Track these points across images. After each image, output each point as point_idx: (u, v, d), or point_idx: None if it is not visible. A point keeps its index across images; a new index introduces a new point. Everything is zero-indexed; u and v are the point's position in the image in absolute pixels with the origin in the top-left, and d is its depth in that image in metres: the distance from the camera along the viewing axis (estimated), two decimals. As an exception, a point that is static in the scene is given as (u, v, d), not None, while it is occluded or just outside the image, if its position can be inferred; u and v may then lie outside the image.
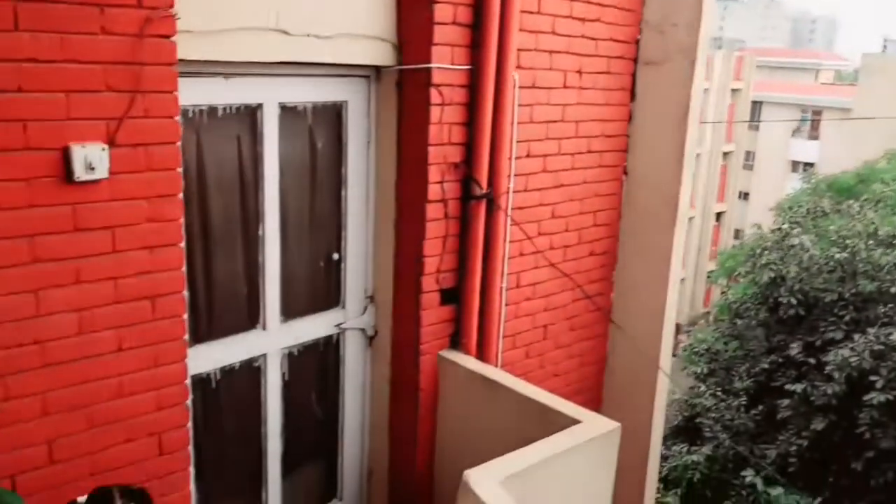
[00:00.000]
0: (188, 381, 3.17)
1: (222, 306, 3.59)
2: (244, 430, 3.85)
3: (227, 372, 3.70)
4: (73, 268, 2.75)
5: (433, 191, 3.73)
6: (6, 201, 2.56)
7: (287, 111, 3.62)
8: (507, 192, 3.99)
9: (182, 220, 2.99)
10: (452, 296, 3.99)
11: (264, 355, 3.83)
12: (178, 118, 2.89)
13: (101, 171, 2.71)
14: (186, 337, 3.10)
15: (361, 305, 4.15)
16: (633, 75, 4.61)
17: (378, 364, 4.24)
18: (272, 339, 3.83)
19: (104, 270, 2.81)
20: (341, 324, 4.13)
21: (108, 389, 2.93)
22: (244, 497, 3.95)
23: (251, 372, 3.82)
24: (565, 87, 4.22)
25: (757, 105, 34.69)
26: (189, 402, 3.19)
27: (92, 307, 2.81)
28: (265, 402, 3.88)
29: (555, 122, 4.22)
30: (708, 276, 25.59)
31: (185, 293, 3.08)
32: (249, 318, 3.73)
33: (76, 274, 2.75)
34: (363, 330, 4.22)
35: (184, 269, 3.05)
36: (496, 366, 4.10)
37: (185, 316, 3.09)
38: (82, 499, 2.53)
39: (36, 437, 2.78)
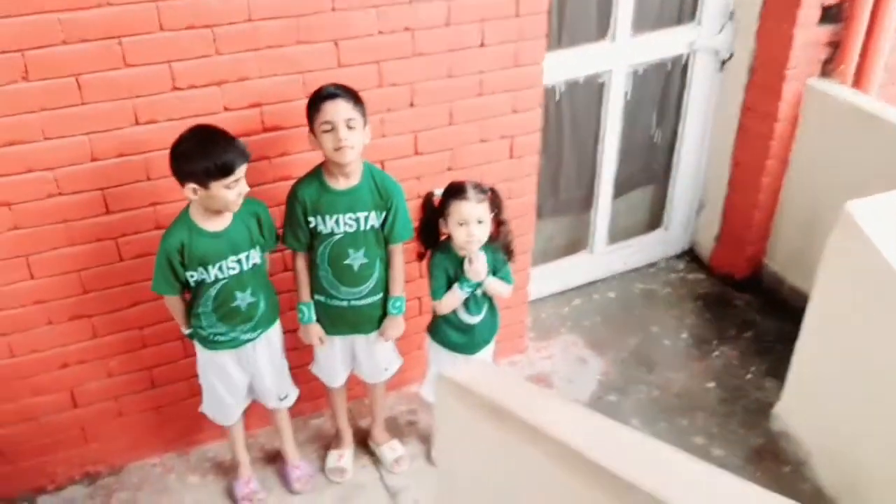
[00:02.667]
0: (542, 86, 3.08)
1: (573, 12, 3.38)
2: (581, 148, 3.78)
3: (572, 85, 3.57)
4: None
5: None
6: None
7: None
8: None
9: None
10: (834, 14, 3.41)
11: (609, 71, 3.62)
12: None
13: None
14: (546, 37, 2.97)
15: (719, 24, 3.71)
16: None
17: (728, 90, 3.87)
18: (620, 54, 3.60)
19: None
20: (693, 42, 3.76)
21: (470, 87, 2.92)
22: (574, 214, 3.97)
23: (594, 88, 3.65)
24: None
25: None
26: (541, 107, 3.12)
27: (459, -1, 2.74)
28: (604, 122, 3.74)
29: None
30: None
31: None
32: (599, 28, 3.49)
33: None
34: (716, 51, 3.82)
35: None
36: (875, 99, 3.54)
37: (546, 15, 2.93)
38: (438, 191, 2.64)
39: (405, 126, 2.90)
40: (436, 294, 2.71)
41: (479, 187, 2.61)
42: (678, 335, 3.79)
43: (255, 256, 2.52)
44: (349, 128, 2.40)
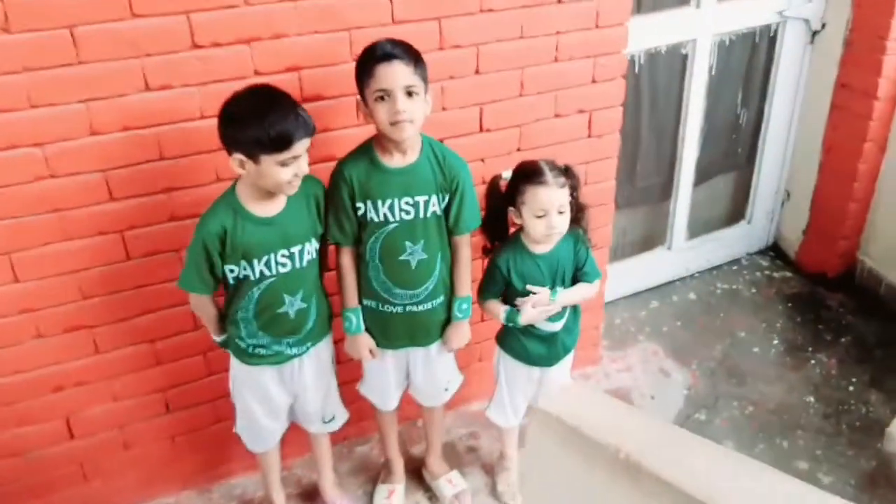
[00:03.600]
0: (626, 52, 2.59)
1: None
2: (661, 128, 3.29)
3: (652, 56, 3.08)
4: None
5: None
6: None
7: None
8: None
9: None
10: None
11: (694, 41, 3.13)
12: None
13: None
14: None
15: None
16: None
17: (820, 65, 3.37)
18: (705, 21, 3.10)
19: None
20: (783, 11, 3.26)
21: (544, 51, 2.44)
22: (650, 204, 3.49)
23: (677, 60, 3.16)
24: None
25: None
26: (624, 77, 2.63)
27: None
28: (687, 98, 3.25)
29: None
30: None
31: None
32: (683, -11, 3.00)
33: None
34: (807, 21, 3.32)
35: None
36: None
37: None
38: (507, 173, 2.18)
39: (469, 97, 2.42)
40: (483, 293, 2.29)
41: (557, 168, 2.14)
42: (769, 341, 3.32)
43: (311, 250, 2.05)
44: (409, 96, 1.92)
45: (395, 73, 1.90)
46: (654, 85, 3.14)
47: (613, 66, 2.58)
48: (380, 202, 2.05)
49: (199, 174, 2.14)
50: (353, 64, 2.01)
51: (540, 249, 2.21)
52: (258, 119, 1.78)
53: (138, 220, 2.15)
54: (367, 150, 2.07)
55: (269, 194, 1.93)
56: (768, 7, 3.25)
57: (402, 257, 2.11)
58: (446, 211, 2.13)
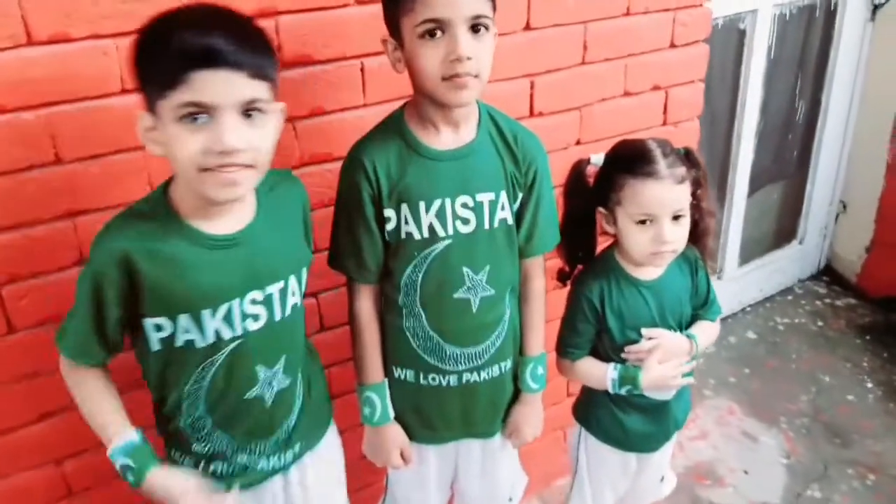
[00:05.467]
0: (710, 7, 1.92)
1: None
2: (713, 122, 2.62)
3: (706, 29, 2.41)
4: None
5: None
6: None
7: None
8: None
9: None
10: None
11: (754, 12, 2.48)
12: None
13: None
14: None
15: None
16: None
17: (885, 48, 2.80)
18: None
19: None
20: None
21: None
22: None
23: (734, 36, 2.51)
24: None
25: None
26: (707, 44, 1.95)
27: None
28: (744, 86, 2.59)
29: None
30: None
31: None
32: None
33: None
34: (868, -8, 2.75)
35: None
36: None
37: None
38: (597, 157, 1.47)
39: (516, 65, 1.68)
40: (565, 344, 1.54)
41: (674, 152, 1.42)
42: (861, 385, 2.67)
43: (297, 291, 1.24)
44: (474, 31, 1.16)
45: None
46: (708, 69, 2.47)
47: (697, 24, 1.89)
48: (423, 206, 1.28)
49: (121, 186, 1.32)
50: (358, 7, 1.26)
51: (645, 274, 1.49)
52: (162, 36, 1.01)
53: (22, 265, 1.30)
54: (396, 126, 1.30)
55: (220, 205, 1.12)
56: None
57: (458, 294, 1.33)
58: (517, 219, 1.35)
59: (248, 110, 1.03)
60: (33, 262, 1.32)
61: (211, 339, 1.14)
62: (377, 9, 1.27)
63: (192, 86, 0.98)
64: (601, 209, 1.47)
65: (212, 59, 0.98)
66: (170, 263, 1.09)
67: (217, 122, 1.00)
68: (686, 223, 1.42)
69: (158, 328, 1.12)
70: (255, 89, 1.02)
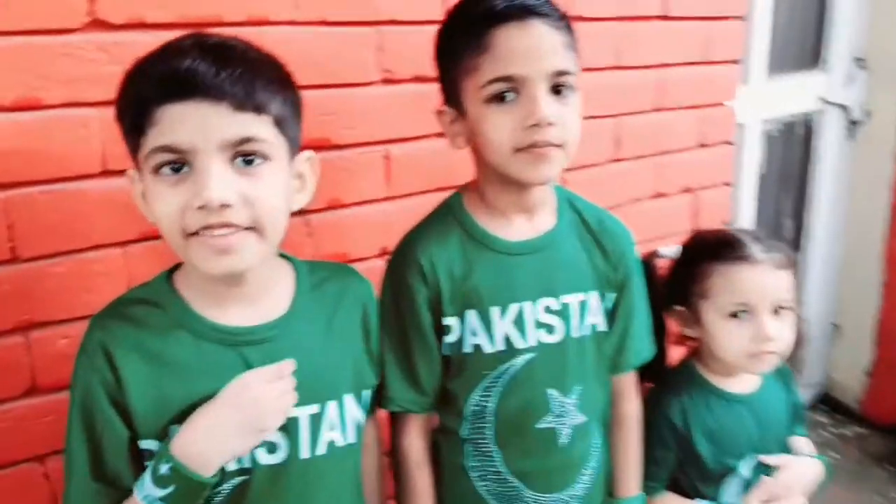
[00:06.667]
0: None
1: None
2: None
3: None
4: None
5: None
6: None
7: None
8: None
9: None
10: None
11: (742, 127, 2.42)
12: None
13: None
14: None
15: (845, 72, 2.68)
16: None
17: (868, 163, 2.77)
18: (753, 103, 2.42)
19: None
20: (825, 96, 2.68)
21: (645, 91, 1.58)
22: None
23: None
24: None
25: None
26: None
27: None
28: (737, 203, 2.48)
29: None
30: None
31: None
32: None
33: None
34: (845, 108, 2.74)
35: None
36: None
37: None
38: (669, 249, 1.31)
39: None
40: (651, 484, 1.24)
41: (766, 237, 1.22)
42: (893, 526, 2.39)
43: (357, 416, 0.94)
44: (556, 92, 0.95)
45: (537, 47, 0.93)
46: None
47: (722, 124, 1.77)
48: (496, 312, 1.01)
49: (91, 291, 1.03)
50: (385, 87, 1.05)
51: (738, 386, 1.25)
52: (134, 70, 0.80)
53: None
54: (454, 215, 1.05)
55: (235, 287, 0.86)
56: (808, 91, 2.64)
57: (541, 423, 1.04)
58: (609, 323, 1.11)
59: (245, 155, 0.77)
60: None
61: (230, 467, 0.84)
62: (406, 89, 1.09)
63: (162, 125, 0.75)
64: (677, 307, 1.24)
65: (179, 88, 0.74)
66: (175, 374, 0.82)
67: (196, 170, 0.75)
68: (790, 321, 1.19)
69: (151, 455, 0.81)
70: (245, 126, 0.77)
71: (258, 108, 0.77)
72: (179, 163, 0.76)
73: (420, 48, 1.20)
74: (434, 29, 0.99)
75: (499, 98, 0.93)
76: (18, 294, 1.00)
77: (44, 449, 1.04)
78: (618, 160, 1.59)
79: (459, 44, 0.96)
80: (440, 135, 1.00)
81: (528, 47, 0.92)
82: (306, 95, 1.17)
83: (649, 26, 1.56)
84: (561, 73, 0.94)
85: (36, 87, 0.98)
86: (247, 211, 0.77)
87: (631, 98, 1.57)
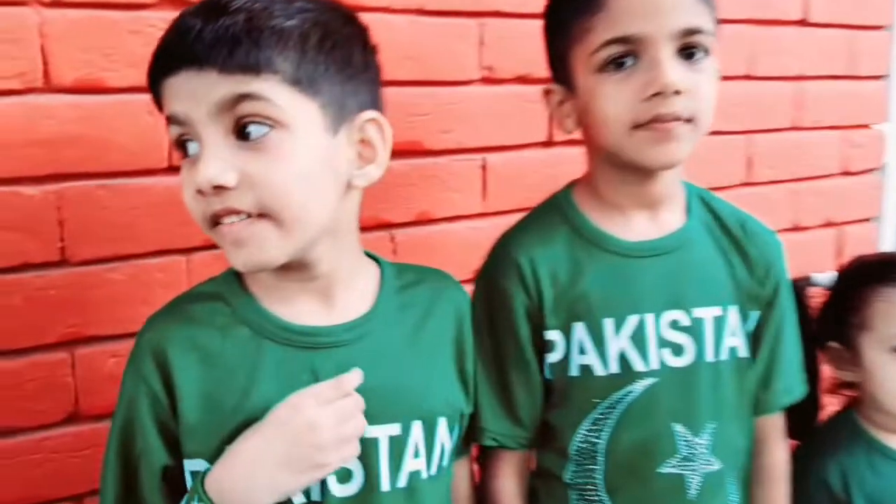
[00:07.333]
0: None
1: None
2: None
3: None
4: None
5: None
6: None
7: None
8: None
9: None
10: None
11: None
12: None
13: None
14: None
15: None
16: None
17: None
18: None
19: None
20: None
21: (780, 110, 1.39)
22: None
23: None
24: None
25: None
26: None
27: None
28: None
29: None
30: None
31: None
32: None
33: None
34: None
35: None
36: None
37: None
38: (822, 276, 1.10)
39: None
40: None
41: None
42: None
43: (446, 440, 0.76)
44: (686, 56, 0.76)
45: (661, 1, 0.76)
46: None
47: (870, 147, 1.54)
48: (609, 326, 0.82)
49: (149, 302, 0.91)
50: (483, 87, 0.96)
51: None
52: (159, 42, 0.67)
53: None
54: (561, 210, 0.87)
55: (304, 281, 0.72)
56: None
57: (664, 468, 0.84)
58: (753, 349, 0.89)
59: (244, 123, 0.62)
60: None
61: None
62: (508, 91, 0.95)
63: (167, 102, 0.65)
64: (833, 344, 1.02)
65: (170, 59, 0.63)
66: (221, 366, 0.68)
67: (200, 148, 0.63)
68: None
69: (195, 474, 0.67)
70: (235, 87, 0.61)
71: (254, 68, 0.61)
72: (190, 141, 0.64)
73: (525, 45, 1.06)
74: (541, 24, 0.84)
75: (615, 64, 0.76)
76: (66, 302, 0.88)
77: (82, 487, 0.90)
78: (749, 184, 1.39)
79: (569, 5, 0.80)
80: (545, 144, 0.84)
81: (649, 1, 0.75)
82: (397, 92, 1.04)
83: (787, 31, 1.37)
84: (691, 32, 0.76)
85: (100, 67, 0.88)
86: (252, 195, 0.62)
87: (766, 113, 1.38)
